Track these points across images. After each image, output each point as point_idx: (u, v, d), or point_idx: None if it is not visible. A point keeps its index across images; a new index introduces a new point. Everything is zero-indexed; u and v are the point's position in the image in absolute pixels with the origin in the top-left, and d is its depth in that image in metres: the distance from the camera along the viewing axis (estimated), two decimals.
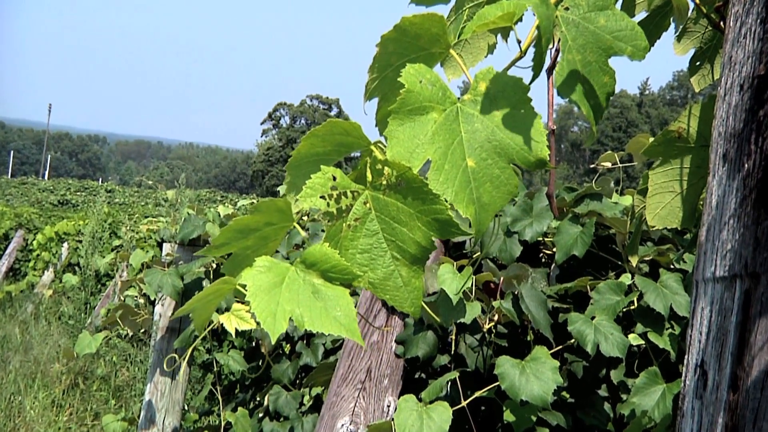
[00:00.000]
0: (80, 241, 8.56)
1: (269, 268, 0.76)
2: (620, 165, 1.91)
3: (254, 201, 4.72)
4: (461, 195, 0.75)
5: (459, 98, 0.79)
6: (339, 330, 0.72)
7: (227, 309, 2.44)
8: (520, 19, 0.79)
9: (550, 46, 0.85)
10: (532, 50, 0.81)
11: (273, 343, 0.69)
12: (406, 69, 0.76)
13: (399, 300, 0.78)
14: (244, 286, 0.74)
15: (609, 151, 1.96)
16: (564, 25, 0.81)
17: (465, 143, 0.76)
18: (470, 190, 0.75)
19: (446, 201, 0.75)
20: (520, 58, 0.83)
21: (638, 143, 1.68)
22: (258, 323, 0.71)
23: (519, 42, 0.82)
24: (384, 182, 0.77)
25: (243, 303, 0.78)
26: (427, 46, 0.83)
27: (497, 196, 0.76)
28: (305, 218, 2.95)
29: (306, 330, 2.50)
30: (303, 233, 0.85)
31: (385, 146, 0.81)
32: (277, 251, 2.64)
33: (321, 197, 0.76)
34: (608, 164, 1.95)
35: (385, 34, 0.82)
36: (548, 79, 0.83)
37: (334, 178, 0.77)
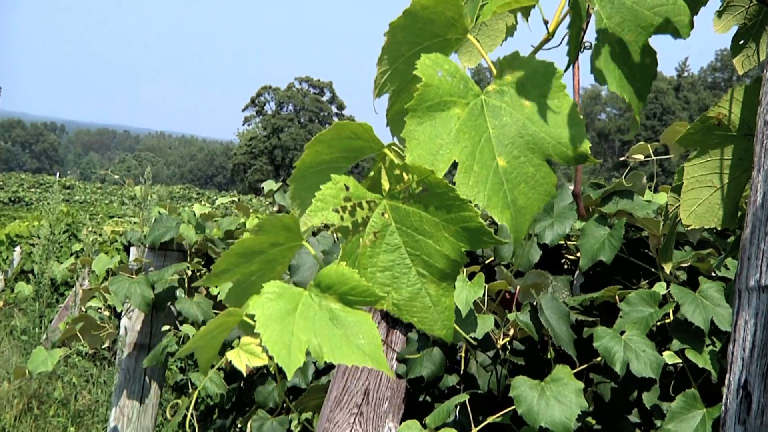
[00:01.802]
0: (34, 245, 8.56)
1: (279, 294, 0.76)
2: (654, 158, 1.92)
3: (235, 199, 4.73)
4: (495, 199, 0.76)
5: (482, 89, 0.80)
6: (363, 360, 0.73)
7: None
8: None
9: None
10: (560, 31, 0.81)
11: (290, 378, 0.70)
12: (421, 60, 0.77)
13: (428, 322, 0.79)
14: (252, 317, 0.74)
15: (641, 142, 1.96)
16: (598, 1, 0.81)
17: (494, 140, 0.77)
18: (504, 193, 0.76)
19: (477, 207, 0.75)
20: (548, 40, 0.84)
21: (674, 132, 1.69)
22: (271, 357, 0.71)
23: (546, 23, 0.82)
24: (403, 190, 0.77)
25: (253, 336, 0.78)
26: (441, 32, 0.84)
27: (534, 197, 0.77)
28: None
29: None
30: (313, 251, 0.86)
31: (400, 149, 0.82)
32: None
33: (334, 210, 0.76)
34: (640, 157, 1.96)
35: (393, 22, 0.82)
36: (573, 65, 0.84)
37: (347, 188, 0.77)
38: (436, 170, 0.75)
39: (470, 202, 0.75)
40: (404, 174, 0.76)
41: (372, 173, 0.87)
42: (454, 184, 0.76)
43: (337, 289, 0.77)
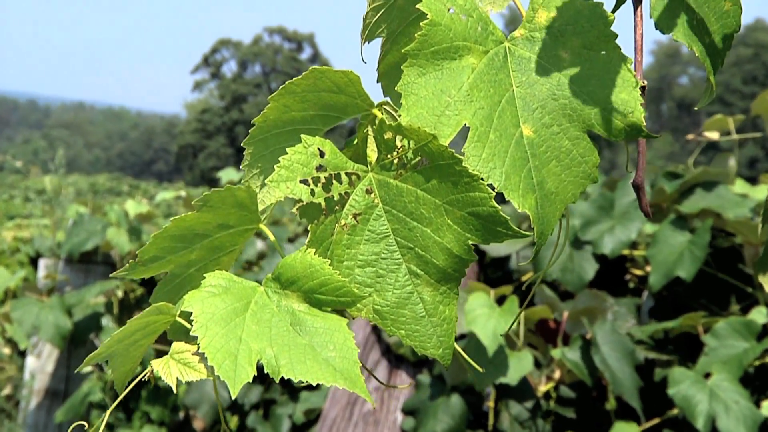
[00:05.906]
0: None
1: (226, 288, 0.78)
2: (737, 137, 1.91)
3: (182, 193, 4.74)
4: (515, 178, 0.77)
5: (507, 36, 0.81)
6: (333, 378, 0.74)
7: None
8: None
9: None
10: None
11: (234, 395, 0.71)
12: None
13: (419, 337, 0.80)
14: (187, 317, 0.75)
15: (719, 115, 1.96)
16: None
17: (518, 101, 0.78)
18: (528, 171, 0.77)
19: (491, 188, 0.76)
20: None
21: (766, 102, 1.70)
22: (211, 368, 0.72)
23: None
24: (396, 160, 0.78)
25: (188, 341, 0.80)
26: None
27: (568, 180, 0.78)
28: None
29: (263, 396, 2.54)
30: (273, 237, 0.87)
31: (395, 109, 0.83)
32: None
33: (302, 182, 0.78)
34: (715, 135, 1.95)
35: None
36: (635, 9, 0.85)
37: (322, 154, 0.79)
38: (439, 135, 0.76)
39: (483, 179, 0.76)
40: (398, 139, 0.78)
41: (356, 140, 0.89)
42: (462, 155, 0.77)
43: (302, 284, 0.79)
